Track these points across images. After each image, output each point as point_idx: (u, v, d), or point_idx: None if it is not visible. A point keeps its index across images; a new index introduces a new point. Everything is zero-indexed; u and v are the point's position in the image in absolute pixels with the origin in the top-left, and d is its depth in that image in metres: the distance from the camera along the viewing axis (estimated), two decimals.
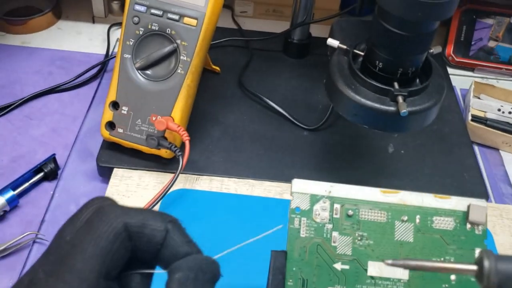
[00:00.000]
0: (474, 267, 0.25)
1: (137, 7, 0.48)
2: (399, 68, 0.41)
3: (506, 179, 0.55)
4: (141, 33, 0.48)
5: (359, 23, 0.49)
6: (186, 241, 0.26)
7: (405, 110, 0.39)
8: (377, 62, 0.41)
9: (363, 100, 0.41)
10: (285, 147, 0.54)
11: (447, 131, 0.57)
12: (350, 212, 0.32)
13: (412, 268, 0.27)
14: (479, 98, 0.63)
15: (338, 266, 0.32)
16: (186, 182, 0.49)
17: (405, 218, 0.32)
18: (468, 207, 0.33)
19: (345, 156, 0.54)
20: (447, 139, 0.56)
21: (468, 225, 0.33)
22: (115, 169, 0.49)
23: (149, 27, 0.47)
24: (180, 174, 0.47)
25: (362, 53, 0.43)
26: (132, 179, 0.49)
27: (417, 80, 0.43)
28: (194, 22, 0.47)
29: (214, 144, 0.53)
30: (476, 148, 0.58)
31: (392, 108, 0.40)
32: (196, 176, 0.49)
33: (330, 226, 0.32)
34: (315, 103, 0.59)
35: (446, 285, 0.32)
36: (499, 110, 0.61)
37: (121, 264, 0.25)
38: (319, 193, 0.33)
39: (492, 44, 0.69)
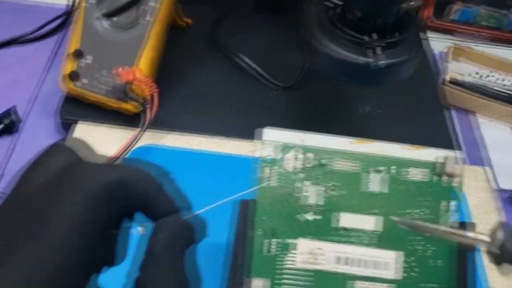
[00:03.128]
0: (487, 238, 0.24)
1: None
2: (377, 19, 0.39)
3: (481, 142, 0.55)
4: None
5: None
6: (170, 198, 0.24)
7: (382, 62, 0.38)
8: (355, 11, 0.39)
9: (339, 51, 0.39)
10: (256, 106, 0.52)
11: (421, 93, 0.56)
12: (324, 161, 0.31)
13: (416, 229, 0.26)
14: (456, 61, 0.62)
15: (310, 216, 0.30)
16: (151, 139, 0.46)
17: (380, 168, 0.31)
18: (445, 158, 0.32)
19: (318, 116, 0.52)
20: (420, 102, 0.55)
21: (445, 177, 0.31)
22: (78, 125, 0.47)
23: None
24: (145, 131, 0.45)
25: (340, 2, 0.41)
26: (95, 134, 0.46)
27: (396, 34, 0.42)
28: None
29: (182, 102, 0.50)
30: (452, 111, 0.58)
31: (369, 60, 0.39)
32: (162, 133, 0.47)
33: (302, 175, 0.31)
34: (290, 61, 0.57)
35: (420, 237, 0.31)
36: (477, 73, 0.60)
37: (111, 225, 0.22)
38: (291, 142, 0.31)
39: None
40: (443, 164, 0.31)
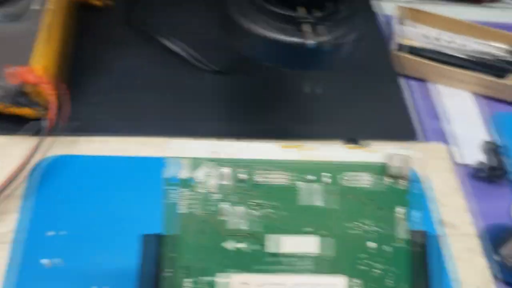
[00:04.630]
0: None
1: None
2: None
3: (442, 114, 0.50)
4: None
5: None
6: None
7: (311, 41, 0.32)
8: None
9: (263, 32, 0.33)
10: (187, 95, 0.45)
11: (369, 64, 0.51)
12: (243, 176, 0.25)
13: None
14: (411, 25, 0.57)
15: (231, 245, 0.25)
16: (63, 146, 0.40)
17: (312, 177, 0.26)
18: (388, 157, 0.26)
19: (258, 102, 0.46)
20: (369, 74, 0.50)
21: (388, 180, 0.26)
22: None
23: None
24: (57, 137, 0.38)
25: None
26: None
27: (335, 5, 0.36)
28: None
29: (100, 98, 0.44)
30: (408, 82, 0.52)
31: (297, 39, 0.33)
32: (76, 138, 0.41)
33: (218, 195, 0.25)
34: (224, 42, 0.50)
35: (364, 255, 0.26)
36: (435, 38, 0.55)
37: None
38: (202, 155, 0.25)
39: None
40: (386, 165, 0.26)
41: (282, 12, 0.33)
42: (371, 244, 0.26)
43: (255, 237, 0.25)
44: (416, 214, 0.26)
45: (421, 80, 0.52)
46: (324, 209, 0.26)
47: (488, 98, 0.52)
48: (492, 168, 0.45)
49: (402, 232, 0.26)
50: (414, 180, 0.26)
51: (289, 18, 0.33)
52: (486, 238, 0.40)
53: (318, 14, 0.33)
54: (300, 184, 0.26)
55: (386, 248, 0.26)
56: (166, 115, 0.44)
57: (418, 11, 0.56)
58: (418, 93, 0.51)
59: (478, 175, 0.45)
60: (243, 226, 0.25)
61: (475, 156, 0.46)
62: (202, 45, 0.48)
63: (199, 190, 0.25)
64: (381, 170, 0.26)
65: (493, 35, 0.56)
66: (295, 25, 0.33)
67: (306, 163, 0.26)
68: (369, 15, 0.55)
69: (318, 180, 0.26)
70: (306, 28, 0.32)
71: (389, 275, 0.25)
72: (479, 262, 0.39)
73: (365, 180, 0.26)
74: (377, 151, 0.26)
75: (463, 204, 0.42)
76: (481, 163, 0.45)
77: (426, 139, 0.47)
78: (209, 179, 0.25)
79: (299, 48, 0.33)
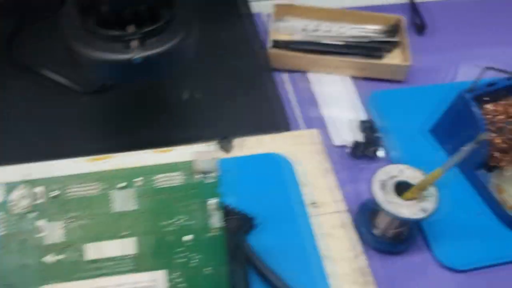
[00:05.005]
0: None
1: None
2: (125, 8, 0.35)
3: (314, 101, 0.53)
4: None
5: None
6: None
7: (138, 56, 0.34)
8: (102, 6, 0.35)
9: (94, 53, 0.35)
10: (64, 119, 0.47)
11: (247, 64, 0.53)
12: (55, 193, 0.27)
13: None
14: (281, 20, 0.59)
15: (50, 258, 0.27)
16: None
17: (123, 184, 0.28)
18: (194, 155, 0.29)
19: (136, 116, 0.48)
20: (247, 74, 0.52)
21: (197, 176, 0.29)
22: None
23: None
24: None
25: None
26: None
27: (159, 19, 0.38)
28: None
29: None
30: (282, 75, 0.55)
31: (125, 56, 0.35)
32: None
33: (33, 214, 0.27)
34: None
35: (181, 249, 0.28)
36: (303, 30, 0.58)
37: None
38: (14, 179, 0.27)
39: None
40: (195, 162, 0.29)
41: (110, 32, 0.35)
42: (187, 238, 0.28)
43: (74, 248, 0.27)
44: (214, 202, 0.28)
45: (296, 71, 0.55)
46: (138, 212, 0.28)
47: (366, 79, 0.55)
48: (360, 145, 0.47)
49: (213, 221, 0.28)
50: (215, 171, 0.28)
51: (118, 37, 0.35)
52: (355, 212, 0.43)
53: (147, 28, 0.36)
54: (112, 192, 0.28)
55: (201, 238, 0.28)
56: (44, 141, 0.45)
57: (289, 6, 0.59)
58: (293, 85, 0.54)
59: (349, 153, 0.48)
60: (61, 239, 0.27)
61: (349, 136, 0.49)
62: (73, 70, 0.50)
63: (15, 211, 0.27)
64: (186, 168, 0.28)
65: (366, 18, 0.58)
66: (124, 42, 0.35)
67: (117, 171, 0.28)
68: (236, 17, 0.57)
69: (129, 186, 0.28)
70: (134, 44, 0.35)
71: (208, 262, 0.28)
72: (347, 235, 0.41)
73: (174, 179, 0.28)
74: (185, 150, 0.29)
75: (332, 183, 0.44)
76: (352, 142, 0.48)
77: (301, 127, 0.50)
78: (23, 200, 0.27)
79: (131, 64, 0.35)
